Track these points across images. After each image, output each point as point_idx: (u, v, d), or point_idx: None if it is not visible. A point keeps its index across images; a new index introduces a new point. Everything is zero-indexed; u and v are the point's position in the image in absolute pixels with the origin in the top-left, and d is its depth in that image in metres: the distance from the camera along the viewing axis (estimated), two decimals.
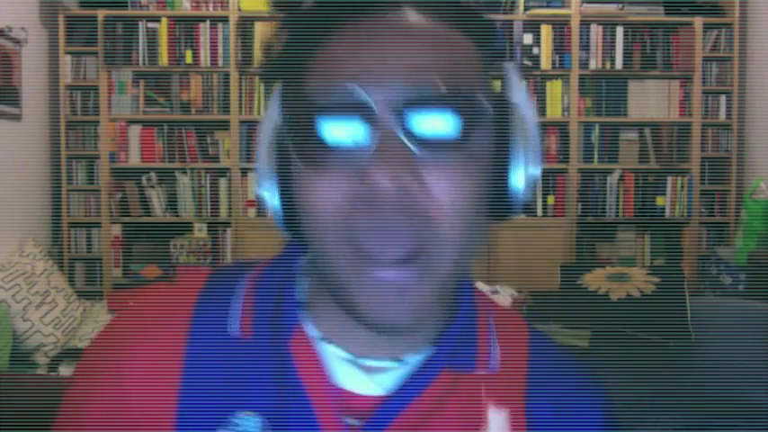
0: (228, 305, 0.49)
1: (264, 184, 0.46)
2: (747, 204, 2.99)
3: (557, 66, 3.45)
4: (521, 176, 0.44)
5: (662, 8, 3.49)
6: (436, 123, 0.40)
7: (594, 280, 1.86)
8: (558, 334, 1.74)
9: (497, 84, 0.47)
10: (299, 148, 0.42)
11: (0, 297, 2.31)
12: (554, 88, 3.46)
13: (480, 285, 2.77)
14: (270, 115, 0.47)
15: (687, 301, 1.72)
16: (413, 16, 0.42)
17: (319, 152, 0.41)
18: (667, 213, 3.52)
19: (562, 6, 3.46)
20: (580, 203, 3.48)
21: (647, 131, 3.51)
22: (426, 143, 0.40)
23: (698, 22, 3.44)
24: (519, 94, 0.45)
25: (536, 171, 0.45)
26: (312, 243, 0.43)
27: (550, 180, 3.48)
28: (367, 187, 0.39)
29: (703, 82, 3.50)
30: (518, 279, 3.01)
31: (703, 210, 3.58)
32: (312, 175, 0.41)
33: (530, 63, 3.43)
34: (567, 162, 3.47)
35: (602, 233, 3.58)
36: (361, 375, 0.46)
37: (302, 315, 0.48)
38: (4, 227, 2.79)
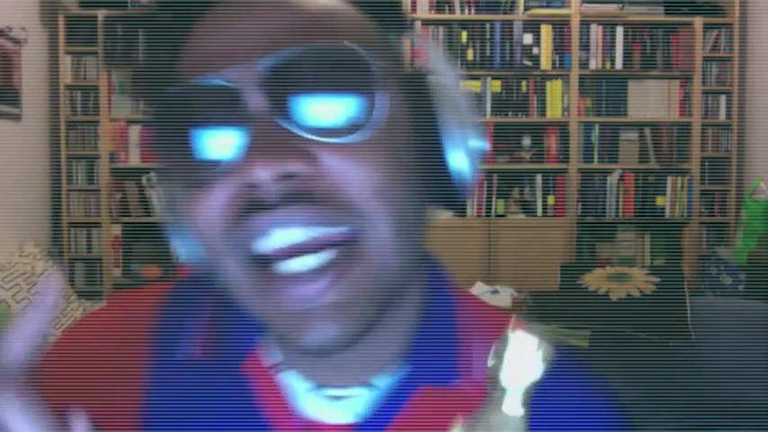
0: (192, 323, 0.44)
1: (176, 237, 0.40)
2: (747, 204, 2.99)
3: (557, 66, 3.45)
4: (456, 153, 0.38)
5: (662, 8, 3.49)
6: (323, 102, 0.33)
7: (594, 280, 1.86)
8: (558, 334, 1.74)
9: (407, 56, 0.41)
10: (180, 173, 0.35)
11: (0, 297, 2.31)
12: (554, 88, 3.46)
13: (480, 285, 2.77)
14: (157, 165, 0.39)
15: (687, 301, 1.71)
16: None
17: (197, 168, 0.34)
18: (667, 213, 3.52)
19: (562, 6, 3.46)
20: (580, 203, 3.48)
21: (647, 131, 3.51)
22: (316, 125, 0.33)
23: (698, 22, 3.44)
24: (435, 61, 0.39)
25: (477, 145, 0.38)
26: (214, 270, 0.37)
27: (550, 180, 3.49)
28: (246, 185, 0.32)
29: (703, 82, 3.50)
30: (518, 279, 3.01)
31: (703, 210, 3.58)
32: (195, 196, 0.35)
33: (530, 63, 3.43)
34: (567, 162, 3.47)
35: (602, 233, 3.58)
36: (328, 403, 0.40)
37: (264, 339, 0.42)
38: (4, 227, 2.79)
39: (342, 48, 0.33)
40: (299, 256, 0.33)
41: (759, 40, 3.47)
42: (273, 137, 0.32)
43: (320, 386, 0.40)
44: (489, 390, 0.27)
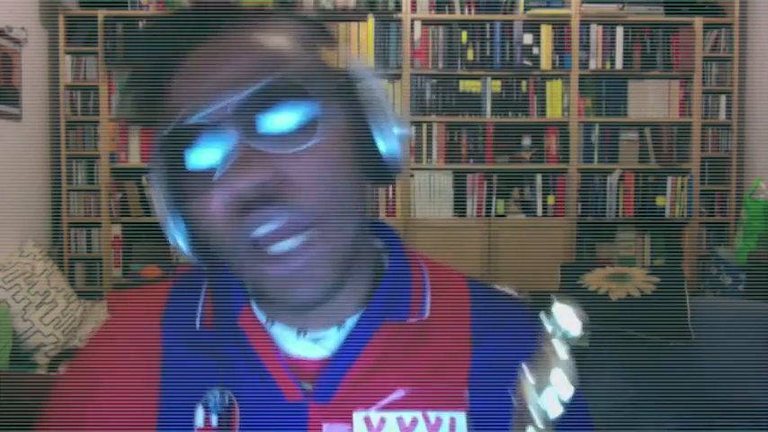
0: (195, 304, 0.56)
1: (170, 230, 0.50)
2: (747, 204, 2.99)
3: (557, 66, 3.45)
4: (383, 137, 0.48)
5: (662, 8, 3.49)
6: (280, 119, 0.44)
7: (594, 280, 1.86)
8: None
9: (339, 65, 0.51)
10: (176, 185, 0.47)
11: (0, 297, 2.31)
12: (554, 88, 3.46)
13: None
14: (151, 159, 0.49)
15: (687, 301, 1.71)
16: (236, 35, 0.47)
17: (190, 182, 0.46)
18: (667, 213, 3.52)
19: (562, 6, 3.46)
20: (580, 203, 3.48)
21: (647, 131, 3.52)
22: (274, 138, 0.44)
23: (698, 22, 3.45)
24: (358, 67, 0.49)
25: (398, 130, 0.49)
26: (216, 257, 0.49)
27: (550, 180, 3.49)
28: (230, 196, 0.44)
29: (703, 82, 3.51)
30: (518, 279, 3.01)
31: (703, 210, 3.58)
32: (192, 202, 0.46)
33: (530, 63, 3.44)
34: (567, 162, 3.47)
35: (602, 233, 3.58)
36: (309, 344, 0.52)
37: (250, 303, 0.54)
38: (4, 227, 2.79)
39: (284, 83, 0.44)
40: (280, 240, 0.45)
41: (759, 40, 3.47)
42: (246, 157, 0.43)
43: (302, 331, 0.52)
44: (544, 344, 0.37)
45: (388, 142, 0.48)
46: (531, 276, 3.06)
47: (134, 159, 3.36)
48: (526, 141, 3.50)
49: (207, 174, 0.44)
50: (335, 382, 0.50)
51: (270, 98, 0.44)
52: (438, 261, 0.60)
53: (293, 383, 0.50)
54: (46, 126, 3.28)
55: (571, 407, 0.38)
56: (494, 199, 3.46)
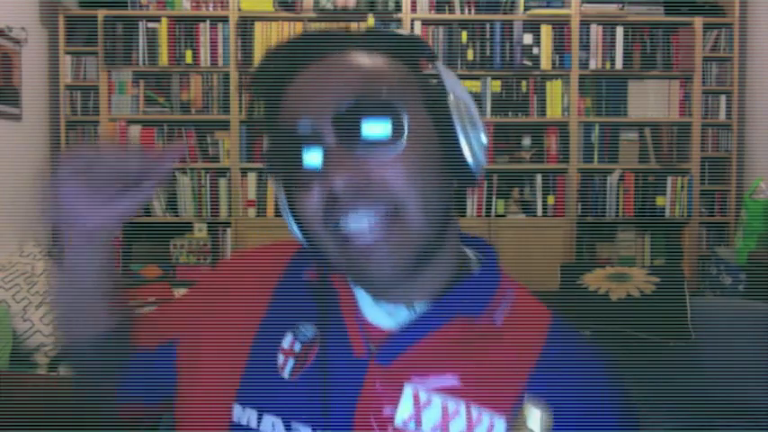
0: (309, 264, 0.66)
1: (288, 220, 0.60)
2: (747, 204, 2.99)
3: (557, 66, 3.45)
4: (468, 146, 0.55)
5: (662, 8, 3.49)
6: (373, 129, 0.52)
7: (594, 280, 1.86)
8: None
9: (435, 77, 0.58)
10: (280, 172, 0.57)
11: (0, 297, 2.31)
12: (554, 88, 3.46)
13: None
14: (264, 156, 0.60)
15: (687, 301, 1.72)
16: (340, 56, 0.56)
17: (295, 177, 0.55)
18: (667, 213, 3.52)
19: (562, 6, 3.46)
20: (580, 203, 3.48)
21: (647, 131, 3.51)
22: (369, 144, 0.52)
23: (698, 22, 3.45)
24: (449, 79, 0.57)
25: (481, 137, 0.57)
26: (311, 237, 0.58)
27: (550, 180, 3.49)
28: (328, 192, 0.53)
29: (703, 82, 3.51)
30: (518, 279, 3.01)
31: (703, 210, 3.58)
32: (296, 188, 0.56)
33: (530, 63, 3.43)
34: (567, 162, 3.47)
35: (602, 233, 3.58)
36: (383, 313, 0.59)
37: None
38: (4, 227, 2.79)
39: (376, 98, 0.53)
40: (364, 232, 0.53)
41: (759, 40, 3.47)
42: (342, 158, 0.52)
43: (377, 299, 0.59)
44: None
45: (473, 150, 0.56)
46: (531, 276, 3.05)
47: None
48: (526, 141, 3.50)
49: (309, 173, 0.54)
50: (397, 351, 0.56)
51: (364, 110, 0.52)
52: (531, 295, 0.65)
53: (362, 341, 0.57)
54: (46, 126, 3.28)
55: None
56: (494, 199, 3.46)
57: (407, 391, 0.55)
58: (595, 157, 3.50)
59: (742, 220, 3.02)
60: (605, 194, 3.50)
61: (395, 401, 0.55)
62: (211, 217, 3.39)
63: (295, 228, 0.60)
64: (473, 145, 0.56)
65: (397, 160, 0.52)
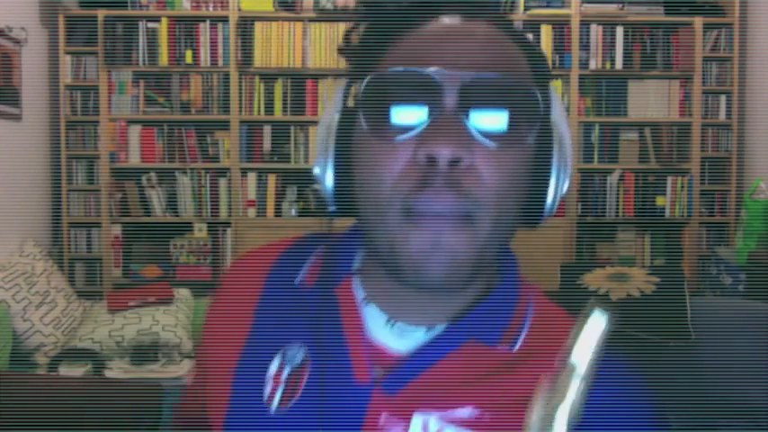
0: (302, 264, 0.59)
1: (323, 164, 0.51)
2: (747, 204, 2.99)
3: (557, 66, 3.44)
4: (553, 187, 0.50)
5: (662, 8, 3.49)
6: (494, 116, 0.46)
7: (594, 280, 1.86)
8: None
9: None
10: (372, 121, 0.47)
11: (0, 297, 2.31)
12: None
13: None
14: (335, 104, 0.52)
15: (687, 301, 1.72)
16: (480, 25, 0.49)
17: (390, 124, 0.46)
18: (667, 213, 3.52)
19: (562, 6, 3.46)
20: (580, 203, 3.48)
21: (647, 131, 3.51)
22: (482, 130, 0.45)
23: (698, 22, 3.44)
24: (558, 113, 0.51)
25: (565, 186, 0.51)
26: (367, 208, 0.49)
27: None
28: (425, 152, 0.44)
29: (703, 82, 3.50)
30: None
31: (703, 210, 3.58)
32: (380, 144, 0.47)
33: None
34: None
35: (602, 233, 3.58)
36: (394, 335, 0.52)
37: (353, 278, 0.55)
38: (4, 227, 2.79)
39: (519, 83, 0.47)
40: (439, 220, 0.45)
41: (759, 40, 3.47)
42: (456, 128, 0.44)
43: (392, 319, 0.52)
44: (561, 364, 0.37)
45: (556, 194, 0.50)
46: (532, 276, 3.04)
47: (134, 159, 3.36)
48: None
49: (400, 129, 0.46)
50: (407, 379, 0.50)
51: (504, 91, 0.46)
52: (549, 301, 0.59)
53: (366, 365, 0.50)
54: (46, 126, 3.28)
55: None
56: None
57: (416, 421, 0.49)
58: (595, 157, 3.50)
59: (742, 220, 3.02)
60: (605, 194, 3.50)
61: None
62: (211, 217, 3.39)
63: (330, 185, 0.51)
64: (558, 188, 0.50)
65: (505, 160, 0.46)
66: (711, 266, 3.13)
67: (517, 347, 0.52)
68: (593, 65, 3.45)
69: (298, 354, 0.53)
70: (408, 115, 0.46)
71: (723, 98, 3.54)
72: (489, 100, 0.45)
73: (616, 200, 3.50)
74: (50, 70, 3.30)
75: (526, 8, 3.43)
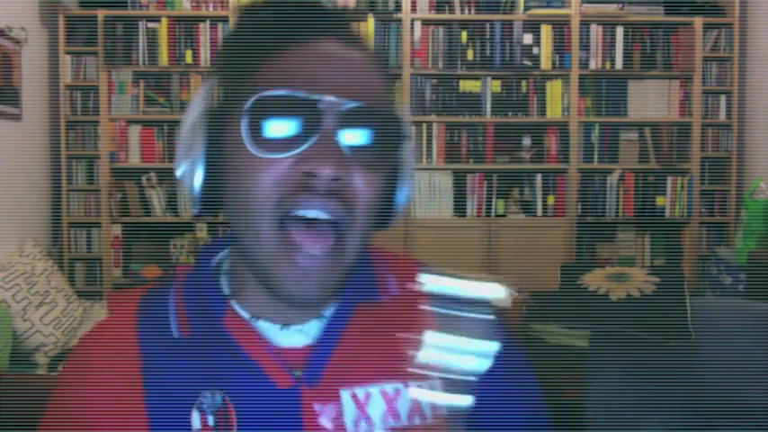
0: (166, 313, 0.57)
1: (189, 167, 0.53)
2: (747, 204, 2.99)
3: (557, 66, 3.45)
4: (403, 191, 0.57)
5: (662, 8, 3.49)
6: (366, 138, 0.51)
7: (594, 280, 1.85)
8: (558, 334, 1.74)
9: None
10: (253, 136, 0.50)
11: (0, 297, 2.31)
12: (554, 88, 3.46)
13: None
14: (201, 102, 0.54)
15: (687, 301, 1.71)
16: (342, 47, 0.53)
17: (269, 140, 0.50)
18: (667, 213, 3.52)
19: (562, 6, 3.46)
20: (580, 203, 3.48)
21: (647, 131, 3.51)
22: (354, 147, 0.50)
23: (698, 22, 3.45)
24: (406, 125, 0.56)
25: (407, 194, 0.58)
26: (242, 224, 0.52)
27: (550, 180, 3.49)
28: (308, 171, 0.49)
29: (703, 82, 3.50)
30: (518, 279, 3.01)
31: (703, 210, 3.58)
32: (257, 159, 0.50)
33: (530, 63, 3.43)
34: (567, 162, 3.47)
35: (602, 233, 3.58)
36: (293, 335, 0.56)
37: (230, 303, 0.57)
38: (4, 227, 2.79)
39: (386, 110, 0.53)
40: (318, 236, 0.51)
41: (759, 40, 3.47)
42: (335, 148, 0.49)
43: (284, 326, 0.56)
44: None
45: (403, 193, 0.57)
46: (531, 276, 3.05)
47: (134, 159, 3.36)
48: (526, 141, 3.50)
49: (281, 143, 0.49)
50: (322, 366, 0.54)
51: (375, 115, 0.52)
52: (392, 250, 0.66)
53: (284, 371, 0.53)
54: (46, 126, 3.28)
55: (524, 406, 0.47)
56: (494, 199, 3.46)
57: (345, 397, 0.53)
58: (595, 157, 3.50)
59: (742, 220, 3.02)
60: (605, 194, 3.50)
61: (338, 413, 0.53)
62: (211, 217, 3.39)
63: (198, 189, 0.53)
64: (404, 192, 0.57)
65: (372, 172, 0.52)
66: (711, 266, 3.13)
67: (397, 292, 0.60)
68: (593, 65, 3.45)
69: (212, 399, 0.52)
70: (291, 134, 0.49)
71: (723, 98, 3.55)
72: (363, 124, 0.51)
73: (616, 200, 3.50)
74: (50, 70, 3.30)
75: (526, 8, 3.44)
